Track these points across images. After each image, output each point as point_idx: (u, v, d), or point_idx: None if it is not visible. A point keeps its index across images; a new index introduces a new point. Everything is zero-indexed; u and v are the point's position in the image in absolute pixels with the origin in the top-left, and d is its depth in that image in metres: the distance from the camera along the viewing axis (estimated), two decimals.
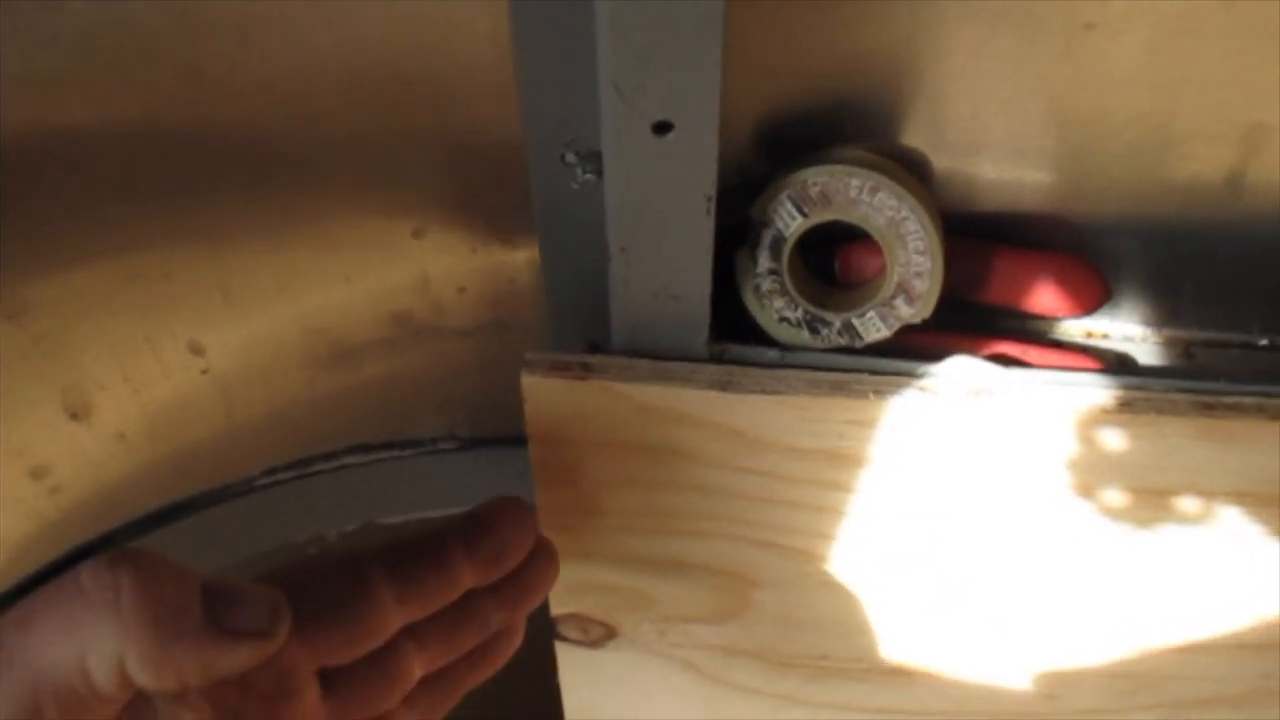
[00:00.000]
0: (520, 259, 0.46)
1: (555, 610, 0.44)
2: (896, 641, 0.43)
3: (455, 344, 0.49)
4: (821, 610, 0.42)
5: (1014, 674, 0.43)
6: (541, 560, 0.37)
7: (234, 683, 0.30)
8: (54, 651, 0.26)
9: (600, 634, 0.45)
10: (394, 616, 0.33)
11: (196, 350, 0.47)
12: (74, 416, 0.47)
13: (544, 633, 0.45)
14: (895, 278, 0.37)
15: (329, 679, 0.33)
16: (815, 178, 0.36)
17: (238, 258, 0.44)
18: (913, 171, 0.37)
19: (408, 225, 0.44)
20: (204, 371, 0.48)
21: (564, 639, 0.46)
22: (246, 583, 0.29)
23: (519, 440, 0.39)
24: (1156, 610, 0.40)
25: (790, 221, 0.37)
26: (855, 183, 0.36)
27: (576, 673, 0.47)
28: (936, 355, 0.37)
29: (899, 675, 0.44)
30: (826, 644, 0.43)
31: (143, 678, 0.26)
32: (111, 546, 0.51)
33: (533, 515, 0.36)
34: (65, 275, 0.43)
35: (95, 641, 0.26)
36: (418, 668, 0.35)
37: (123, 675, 0.26)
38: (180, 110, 0.39)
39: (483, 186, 0.43)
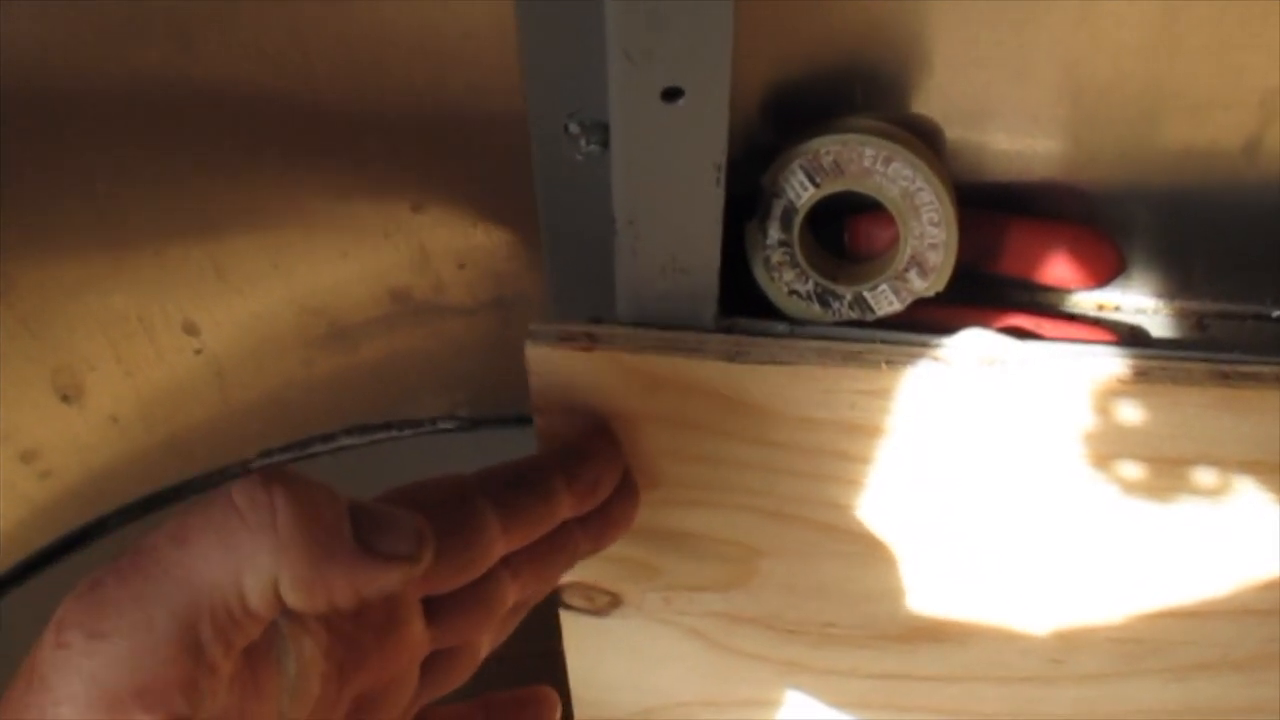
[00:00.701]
0: (521, 234, 0.43)
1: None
2: (903, 609, 0.41)
3: (455, 322, 0.46)
4: (828, 579, 0.40)
5: (1019, 640, 0.41)
6: (626, 494, 0.35)
7: (348, 612, 0.28)
8: (212, 570, 0.24)
9: (605, 602, 0.43)
10: (499, 545, 0.31)
11: (190, 330, 0.44)
12: (65, 398, 0.44)
13: (548, 599, 0.43)
14: (909, 250, 0.34)
15: (430, 607, 0.31)
16: (828, 147, 0.33)
17: (230, 235, 0.41)
18: (925, 141, 0.34)
19: (406, 199, 0.41)
20: (198, 352, 0.45)
21: (569, 607, 0.43)
22: (389, 506, 0.27)
23: (520, 420, 0.37)
24: (1165, 577, 0.38)
25: (802, 192, 0.34)
26: (869, 152, 0.33)
27: (581, 640, 0.45)
28: (948, 329, 0.34)
29: (905, 642, 0.42)
30: (833, 612, 0.41)
31: (294, 598, 0.25)
32: (104, 532, 0.48)
33: (620, 447, 0.35)
34: (52, 253, 0.40)
35: (252, 561, 0.24)
36: (512, 596, 0.33)
37: (275, 595, 0.24)
38: (169, 79, 0.35)
39: (483, 159, 0.39)
